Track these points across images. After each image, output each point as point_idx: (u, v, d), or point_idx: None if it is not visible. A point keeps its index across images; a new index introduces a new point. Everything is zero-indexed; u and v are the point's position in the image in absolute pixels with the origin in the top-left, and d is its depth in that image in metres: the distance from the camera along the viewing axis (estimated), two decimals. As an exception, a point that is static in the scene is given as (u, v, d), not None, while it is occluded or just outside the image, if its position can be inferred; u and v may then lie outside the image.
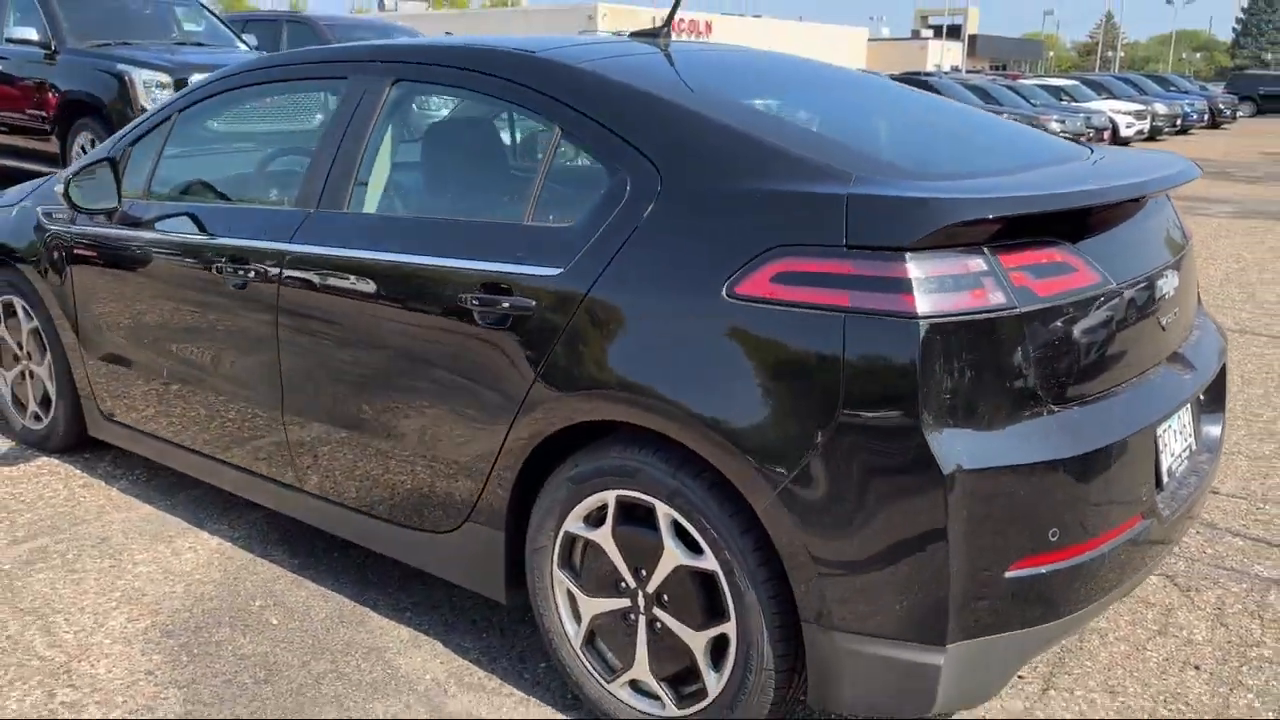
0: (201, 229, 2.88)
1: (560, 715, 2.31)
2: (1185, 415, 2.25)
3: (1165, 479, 2.13)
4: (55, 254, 3.31)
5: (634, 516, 2.12)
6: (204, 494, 3.36)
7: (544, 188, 2.31)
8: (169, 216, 2.99)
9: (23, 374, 3.65)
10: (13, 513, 3.21)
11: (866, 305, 1.78)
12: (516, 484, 2.28)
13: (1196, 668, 2.52)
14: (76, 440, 3.55)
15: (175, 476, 3.47)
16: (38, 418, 3.64)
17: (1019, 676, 2.47)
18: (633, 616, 2.16)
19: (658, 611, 2.12)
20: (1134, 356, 2.06)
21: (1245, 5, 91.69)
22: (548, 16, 48.47)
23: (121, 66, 7.94)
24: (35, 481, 3.44)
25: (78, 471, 3.52)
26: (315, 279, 2.58)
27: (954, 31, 64.59)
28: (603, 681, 2.23)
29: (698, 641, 2.06)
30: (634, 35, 2.88)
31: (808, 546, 1.85)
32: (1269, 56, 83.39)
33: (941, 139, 2.55)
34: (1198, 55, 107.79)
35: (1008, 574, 1.81)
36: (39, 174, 8.70)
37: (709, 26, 51.85)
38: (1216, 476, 2.64)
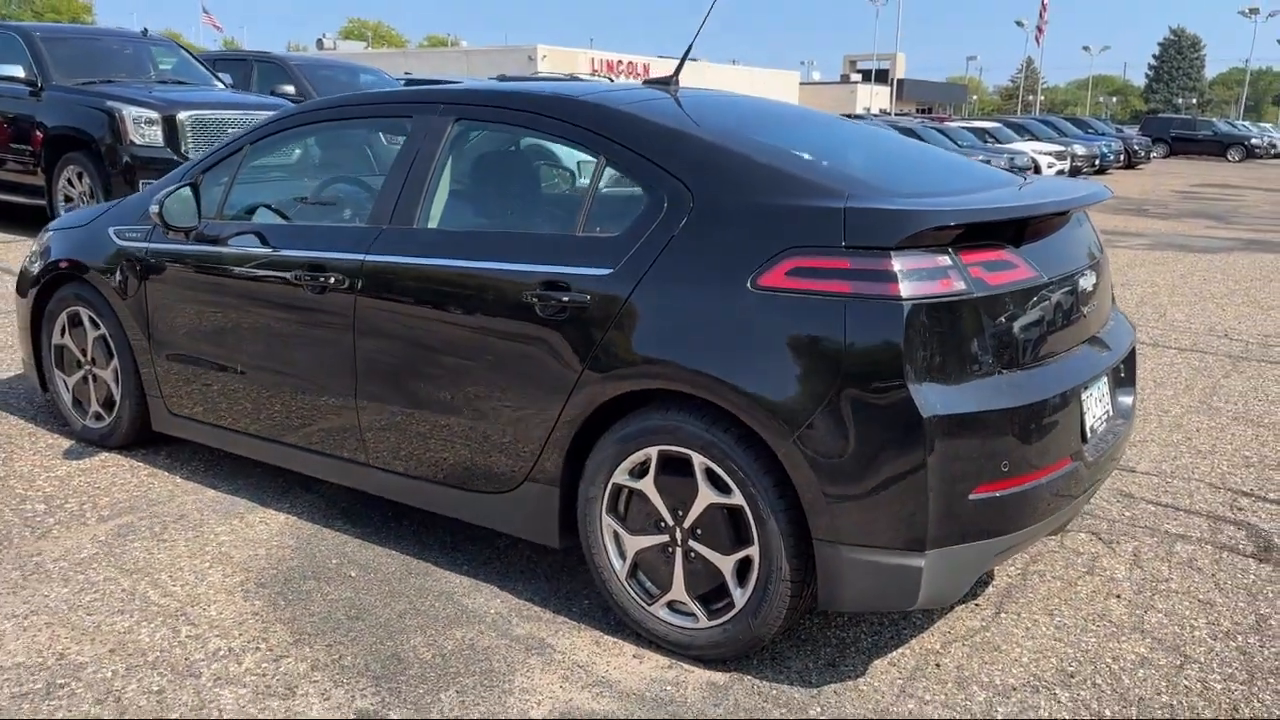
0: (278, 244, 3.35)
1: (606, 635, 2.80)
2: (1104, 385, 2.86)
3: (1089, 434, 2.72)
4: (129, 268, 3.73)
5: (671, 467, 2.64)
6: (261, 479, 3.79)
7: (591, 205, 2.84)
8: (245, 234, 3.45)
9: (85, 378, 4.04)
10: (93, 496, 3.60)
11: (862, 291, 2.34)
12: (571, 447, 2.79)
13: (1118, 597, 3.11)
14: (139, 436, 3.95)
15: (230, 466, 3.89)
16: (99, 417, 4.03)
17: (975, 603, 3.03)
18: (670, 549, 2.67)
19: (692, 543, 2.63)
20: (1062, 335, 2.66)
21: (1157, 53, 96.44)
22: (487, 56, 49.11)
23: (111, 104, 8.30)
24: (104, 472, 3.83)
25: (140, 463, 3.92)
26: (390, 283, 3.07)
27: (882, 76, 66.77)
28: (645, 604, 2.73)
29: (726, 564, 2.59)
30: (647, 83, 3.44)
31: (818, 480, 2.38)
32: (1180, 101, 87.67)
33: (906, 166, 3.14)
34: (1113, 99, 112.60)
35: (971, 496, 2.37)
36: (22, 206, 9.01)
37: (647, 68, 53.01)
38: (1129, 440, 3.23)
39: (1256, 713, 2.53)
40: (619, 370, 2.66)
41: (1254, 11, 68.57)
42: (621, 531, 2.76)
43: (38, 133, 8.74)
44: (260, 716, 2.39)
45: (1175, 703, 2.56)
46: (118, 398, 3.93)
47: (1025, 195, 2.80)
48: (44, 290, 4.09)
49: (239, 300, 3.46)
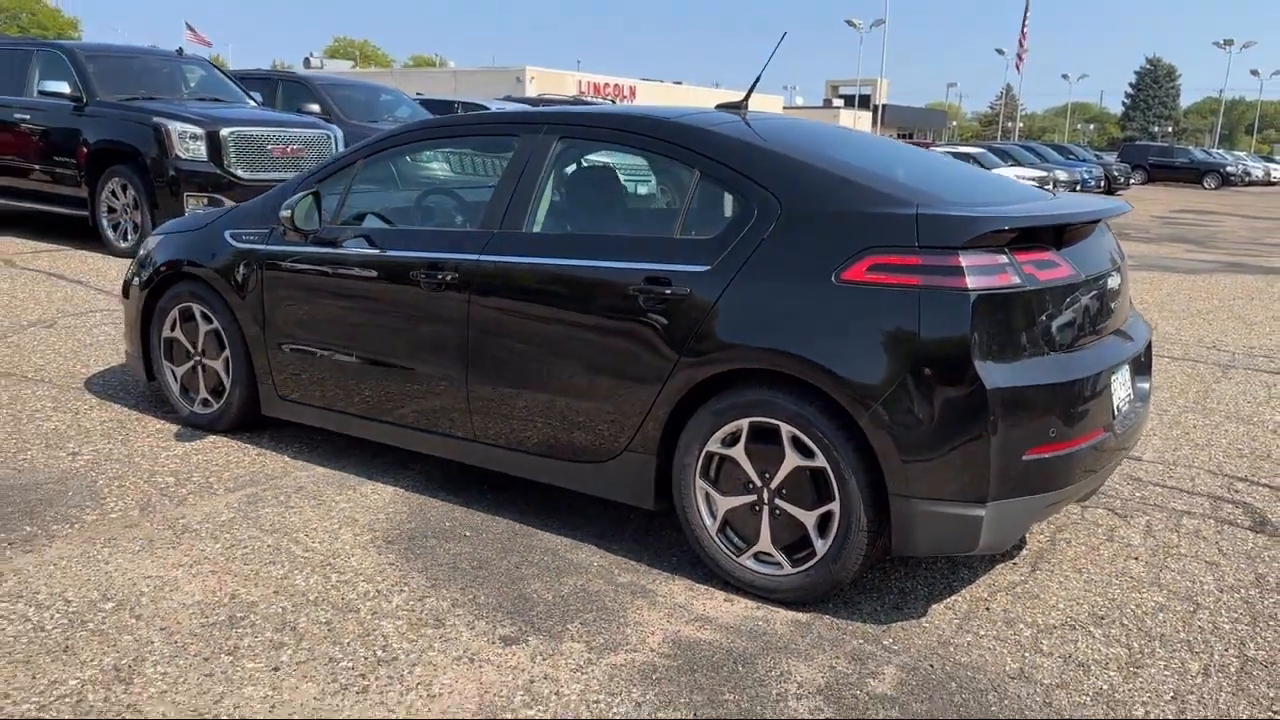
0: (393, 246, 3.78)
1: (698, 584, 3.22)
2: (1127, 371, 3.32)
3: (1116, 412, 3.18)
4: (246, 267, 4.14)
5: (761, 436, 3.07)
6: (361, 457, 4.19)
7: (688, 212, 3.29)
8: (360, 236, 3.88)
9: (194, 368, 4.44)
10: (215, 472, 4.00)
11: (933, 284, 2.80)
12: (669, 420, 3.23)
13: (1135, 559, 3.56)
14: (247, 421, 4.35)
15: (329, 447, 4.29)
16: (206, 403, 4.42)
17: (1013, 562, 3.48)
18: (758, 507, 3.11)
19: (778, 501, 3.07)
20: (1095, 325, 3.13)
21: (1134, 82, 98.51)
22: (475, 77, 49.78)
23: (157, 119, 8.70)
24: (218, 451, 4.22)
25: (248, 444, 4.31)
26: (503, 279, 3.50)
27: (864, 101, 67.88)
28: (734, 556, 3.16)
29: (809, 519, 3.02)
30: (719, 107, 3.89)
31: (895, 444, 2.83)
32: (1156, 129, 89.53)
33: (955, 180, 3.59)
34: (1091, 126, 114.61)
35: (1025, 457, 2.82)
36: (65, 218, 9.37)
37: (633, 91, 53.87)
38: (1146, 422, 3.69)
39: (1260, 647, 2.98)
40: (715, 354, 3.09)
41: (1229, 42, 70.46)
42: (713, 493, 3.19)
43: (82, 147, 9.11)
44: (419, 641, 2.80)
45: (1191, 639, 3.01)
46: (227, 385, 4.32)
47: (1061, 205, 3.27)
48: (155, 289, 4.48)
49: (355, 295, 3.88)
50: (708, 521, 3.21)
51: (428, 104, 14.50)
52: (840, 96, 77.61)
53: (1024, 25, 54.22)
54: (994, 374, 2.77)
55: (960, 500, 2.82)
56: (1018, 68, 57.90)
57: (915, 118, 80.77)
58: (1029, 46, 56.58)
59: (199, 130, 8.74)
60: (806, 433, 2.97)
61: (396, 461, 4.15)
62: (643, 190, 3.85)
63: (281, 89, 12.34)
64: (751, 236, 3.11)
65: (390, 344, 3.81)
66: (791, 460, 3.02)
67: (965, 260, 2.79)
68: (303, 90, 12.18)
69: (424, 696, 2.56)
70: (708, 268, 3.13)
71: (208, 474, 3.97)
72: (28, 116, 9.48)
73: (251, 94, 10.81)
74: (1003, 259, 2.84)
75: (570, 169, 3.72)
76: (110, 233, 9.01)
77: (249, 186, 8.88)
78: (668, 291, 3.18)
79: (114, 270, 8.13)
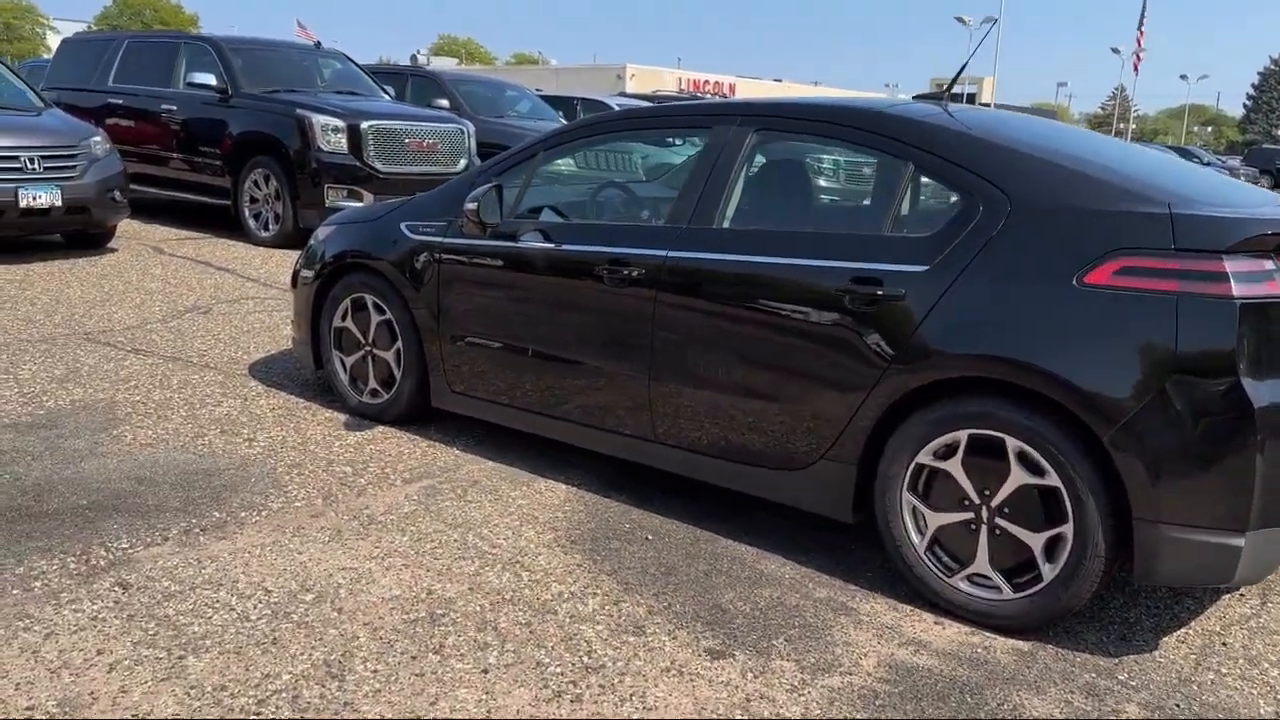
0: (574, 241, 3.70)
1: (901, 603, 3.04)
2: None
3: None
4: (422, 259, 4.11)
5: (981, 449, 2.88)
6: (529, 452, 4.13)
7: (899, 207, 3.12)
8: (541, 230, 3.81)
9: (364, 358, 4.43)
10: (389, 463, 3.98)
11: (1193, 290, 2.57)
12: (874, 429, 3.06)
13: (1374, 596, 3.25)
14: (415, 412, 4.33)
15: (496, 441, 4.24)
16: (375, 393, 4.42)
17: (1240, 594, 3.21)
18: (975, 525, 2.92)
19: (999, 520, 2.87)
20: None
21: (1256, 83, 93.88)
22: (577, 75, 50.11)
23: (301, 111, 8.86)
24: (388, 442, 4.21)
25: (417, 436, 4.29)
26: (694, 276, 3.38)
27: (969, 99, 66.25)
28: (944, 576, 2.98)
29: (1036, 541, 2.82)
30: (917, 98, 3.71)
31: (1144, 465, 2.61)
32: (1279, 132, 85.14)
33: (1190, 178, 3.32)
34: (1208, 129, 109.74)
35: (1289, 482, 2.58)
36: (206, 207, 9.63)
37: (733, 88, 53.61)
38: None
39: None
40: (933, 360, 2.91)
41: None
42: (922, 508, 3.01)
43: (226, 138, 9.34)
44: (622, 649, 2.70)
45: None
46: (398, 376, 4.31)
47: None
48: (327, 279, 4.50)
49: (534, 289, 3.81)
50: (915, 538, 3.03)
51: (546, 101, 14.54)
52: (944, 95, 75.83)
53: (1141, 23, 52.17)
54: (1262, 390, 2.53)
55: (1216, 528, 2.59)
56: (1135, 67, 55.70)
57: (1023, 118, 78.31)
58: (1146, 46, 54.44)
59: (340, 123, 8.87)
60: (1038, 448, 2.77)
61: (561, 458, 4.07)
62: (845, 185, 3.69)
63: (411, 83, 12.51)
64: (976, 235, 2.92)
65: (568, 340, 3.73)
66: (1018, 477, 2.82)
67: (1230, 266, 2.56)
68: (432, 85, 12.33)
69: (640, 709, 2.45)
70: (925, 268, 2.96)
71: (383, 464, 3.95)
72: (175, 108, 9.76)
73: (384, 87, 10.97)
74: (1269, 265, 2.60)
75: (766, 162, 3.58)
76: (252, 222, 9.22)
77: (386, 180, 9.01)
78: (879, 292, 3.01)
79: (258, 259, 8.31)
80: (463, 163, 9.74)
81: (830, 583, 3.17)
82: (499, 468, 3.98)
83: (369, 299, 4.37)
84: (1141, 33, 53.10)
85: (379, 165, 8.98)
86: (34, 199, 7.27)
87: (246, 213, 9.26)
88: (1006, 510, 2.86)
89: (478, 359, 4.03)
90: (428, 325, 4.15)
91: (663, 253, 3.46)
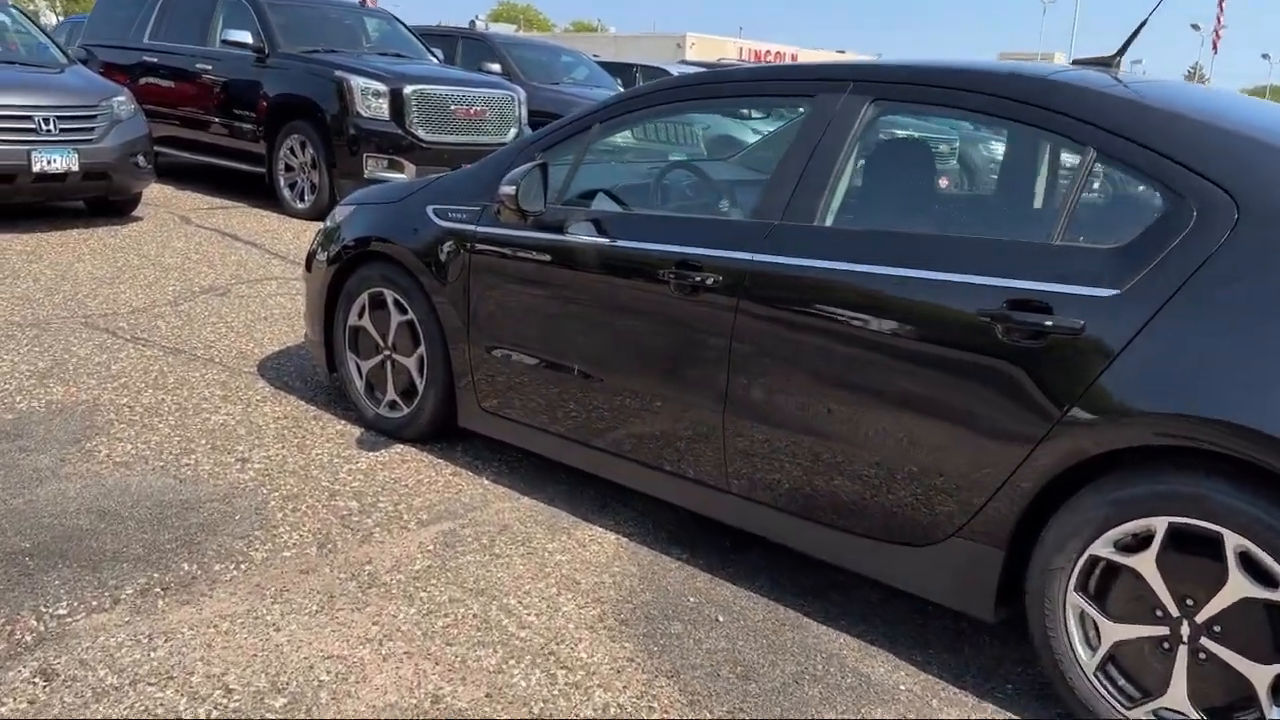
0: (637, 237, 2.96)
1: (1060, 737, 2.30)
2: None
3: None
4: (451, 250, 3.40)
5: (1185, 544, 2.11)
6: (570, 486, 3.42)
7: (1074, 208, 2.32)
8: (592, 221, 3.07)
9: (383, 363, 3.75)
10: (404, 496, 3.29)
11: None
12: (1032, 503, 2.30)
13: None
14: (438, 430, 3.64)
15: (532, 468, 3.54)
16: (395, 406, 3.73)
17: None
18: (1170, 645, 2.15)
19: (1205, 641, 2.10)
20: None
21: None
22: (636, 43, 49.00)
23: (340, 73, 8.18)
24: (405, 467, 3.52)
25: (439, 460, 3.60)
26: (785, 287, 2.63)
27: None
28: (1122, 707, 2.21)
29: (1262, 676, 2.04)
30: (1076, 63, 2.89)
31: None
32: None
33: None
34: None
35: None
36: (240, 174, 9.03)
37: (794, 58, 52.16)
38: None
39: None
40: (1122, 419, 2.14)
41: None
42: (1095, 614, 2.24)
43: (261, 100, 8.71)
44: (690, 807, 1.99)
45: None
46: (420, 387, 3.62)
47: None
48: (343, 268, 3.81)
49: (585, 293, 3.08)
50: (1082, 653, 2.27)
51: (603, 68, 13.72)
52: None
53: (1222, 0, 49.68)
54: None
55: None
56: (1214, 45, 53.17)
57: (1096, 98, 75.54)
58: (1225, 23, 51.87)
59: (382, 87, 8.18)
60: (1271, 550, 1.99)
61: (610, 493, 3.36)
62: (995, 176, 2.89)
63: (461, 46, 11.76)
64: (1189, 250, 2.13)
65: (626, 360, 3.00)
66: (1239, 587, 2.04)
67: None
68: (483, 49, 11.57)
69: None
70: (1115, 291, 2.17)
71: (395, 498, 3.27)
72: (209, 67, 9.13)
73: (433, 50, 10.26)
74: None
75: (886, 141, 2.80)
76: (287, 192, 8.59)
77: (430, 149, 8.32)
78: (1048, 322, 2.23)
79: (289, 232, 7.69)
80: (512, 132, 9.02)
81: (958, 699, 2.43)
82: (535, 506, 3.28)
83: (389, 295, 3.66)
84: (1222, 9, 50.60)
85: (422, 133, 8.28)
86: (48, 163, 6.68)
87: (281, 181, 8.63)
88: (1217, 629, 2.09)
89: (512, 373, 3.32)
90: (455, 329, 3.44)
91: (746, 255, 2.71)
